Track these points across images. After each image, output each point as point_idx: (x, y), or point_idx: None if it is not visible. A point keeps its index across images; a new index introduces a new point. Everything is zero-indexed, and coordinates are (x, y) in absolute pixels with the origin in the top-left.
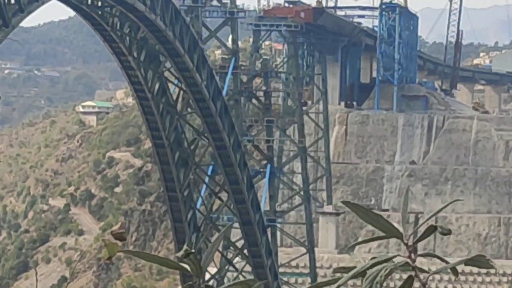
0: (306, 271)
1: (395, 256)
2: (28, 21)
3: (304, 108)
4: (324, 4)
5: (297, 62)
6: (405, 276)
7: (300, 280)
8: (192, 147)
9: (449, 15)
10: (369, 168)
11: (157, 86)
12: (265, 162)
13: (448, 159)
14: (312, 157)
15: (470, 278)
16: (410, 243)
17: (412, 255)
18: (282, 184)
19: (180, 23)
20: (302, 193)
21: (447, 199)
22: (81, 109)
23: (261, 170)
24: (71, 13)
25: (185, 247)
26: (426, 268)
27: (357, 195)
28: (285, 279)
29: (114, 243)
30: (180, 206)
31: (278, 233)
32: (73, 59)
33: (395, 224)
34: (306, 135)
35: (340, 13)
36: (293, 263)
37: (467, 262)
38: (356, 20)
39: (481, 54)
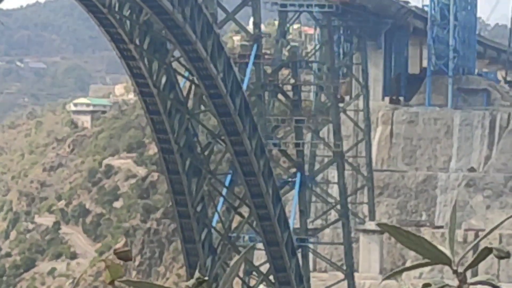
0: None
1: (447, 285)
2: (9, 3)
3: (341, 105)
4: None
5: (332, 49)
6: None
7: None
8: (206, 153)
9: None
10: (419, 177)
11: (163, 79)
12: (294, 170)
13: None
14: (351, 164)
15: None
16: (460, 270)
17: (462, 284)
18: (315, 197)
19: (191, 3)
20: (338, 207)
21: None
22: (72, 108)
23: (290, 179)
24: None
25: (197, 273)
26: None
27: (404, 209)
28: None
29: (117, 263)
30: (192, 224)
31: (311, 255)
32: (62, 47)
33: (443, 248)
34: (343, 137)
35: None
36: None
37: None
38: None
39: None
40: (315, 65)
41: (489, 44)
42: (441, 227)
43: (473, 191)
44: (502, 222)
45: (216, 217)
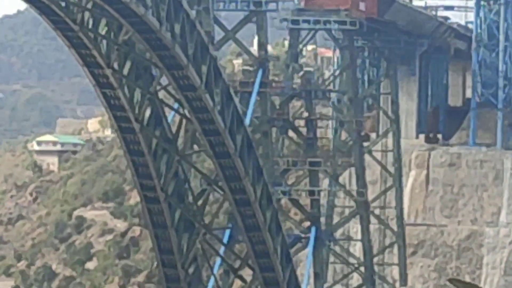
0: None
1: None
2: None
3: (365, 144)
4: None
5: (355, 76)
6: None
7: None
8: (200, 203)
9: None
10: (462, 233)
11: (148, 112)
12: (308, 224)
13: None
14: (378, 216)
15: None
16: None
17: None
18: (334, 257)
19: (182, 19)
20: (362, 269)
21: None
22: (36, 147)
23: (303, 236)
24: (22, 5)
25: None
26: None
27: (444, 272)
28: None
29: None
30: None
31: None
32: (24, 73)
33: None
34: (368, 183)
35: (417, 2)
36: None
37: None
38: (442, 13)
39: None
40: (334, 95)
41: None
42: None
43: None
44: None
45: (212, 281)
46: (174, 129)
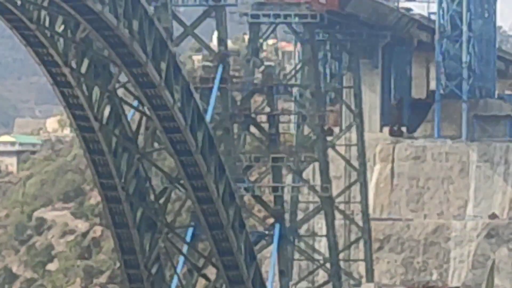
0: None
1: None
2: None
3: (329, 138)
4: None
5: (317, 70)
6: None
7: None
8: (161, 201)
9: None
10: (428, 226)
11: (107, 111)
12: (272, 220)
13: None
14: (343, 211)
15: None
16: None
17: None
18: (299, 253)
19: (139, 16)
20: (328, 265)
21: None
22: None
23: (267, 233)
24: None
25: None
26: None
27: (410, 267)
28: None
29: None
30: None
31: None
32: None
33: None
34: (332, 178)
35: None
36: None
37: None
38: (404, 5)
39: None
40: (296, 90)
41: None
42: None
43: (495, 243)
44: None
45: (175, 280)
46: (134, 127)
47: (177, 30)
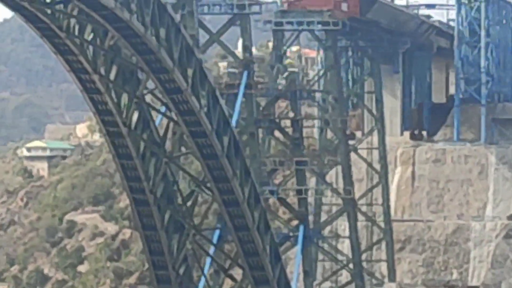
0: None
1: None
2: None
3: (351, 142)
4: None
5: (339, 75)
6: None
7: None
8: (189, 204)
9: None
10: (448, 228)
11: (135, 116)
12: (296, 222)
13: None
14: (365, 213)
15: None
16: None
17: None
18: (322, 254)
19: (166, 24)
20: (351, 266)
21: None
22: (25, 153)
23: (291, 234)
24: (7, 13)
25: None
26: None
27: (431, 267)
28: None
29: None
30: None
31: None
32: (12, 80)
33: None
34: (354, 181)
35: (399, 1)
36: None
37: None
38: (423, 12)
39: None
40: (318, 95)
41: None
42: (477, 287)
43: None
44: None
45: (202, 281)
46: (161, 132)
47: (203, 37)
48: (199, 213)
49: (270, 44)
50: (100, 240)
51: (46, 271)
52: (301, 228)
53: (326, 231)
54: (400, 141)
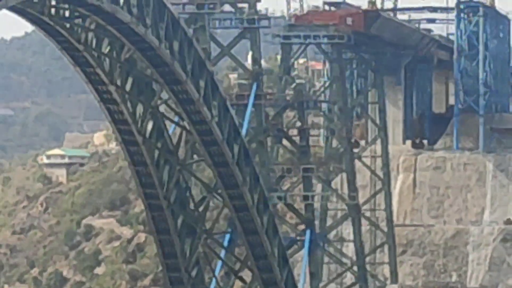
0: None
1: None
2: None
3: (355, 150)
4: (379, 5)
5: (344, 86)
6: None
7: None
8: (201, 209)
9: None
10: (448, 232)
11: (150, 125)
12: (303, 227)
13: None
14: (369, 218)
15: None
16: None
17: None
18: (328, 257)
19: (180, 37)
20: (355, 268)
21: None
22: (45, 160)
23: (298, 238)
24: (28, 27)
25: None
26: None
27: (432, 270)
28: None
29: None
30: None
31: None
32: (33, 91)
33: None
34: (358, 188)
35: (401, 16)
36: None
37: None
38: (425, 26)
39: None
40: (324, 105)
41: None
42: None
43: (510, 247)
44: None
45: (213, 283)
46: (175, 140)
47: (215, 50)
48: (210, 218)
49: (279, 57)
50: (116, 243)
51: (64, 273)
52: (308, 232)
53: (331, 235)
54: (402, 149)
